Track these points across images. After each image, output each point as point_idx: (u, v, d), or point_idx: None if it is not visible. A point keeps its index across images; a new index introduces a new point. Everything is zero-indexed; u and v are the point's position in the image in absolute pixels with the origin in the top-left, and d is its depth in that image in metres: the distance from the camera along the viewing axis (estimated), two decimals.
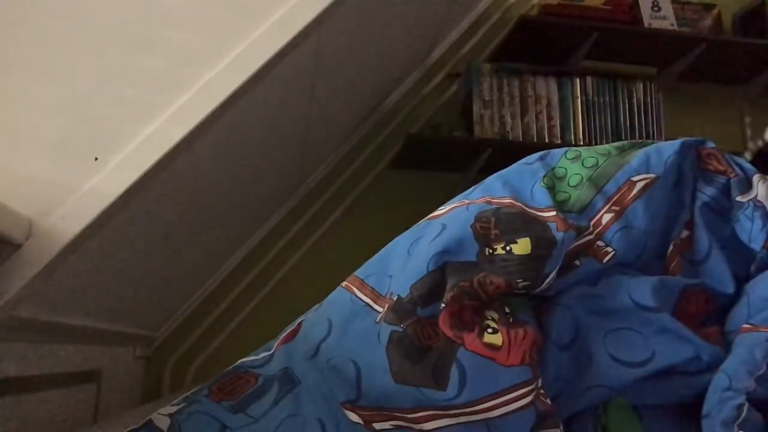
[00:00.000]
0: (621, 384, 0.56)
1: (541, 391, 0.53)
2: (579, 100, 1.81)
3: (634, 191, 0.65)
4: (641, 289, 0.59)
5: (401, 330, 0.57)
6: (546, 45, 1.84)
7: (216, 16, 0.88)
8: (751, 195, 0.66)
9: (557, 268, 0.59)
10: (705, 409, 0.53)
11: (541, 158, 0.73)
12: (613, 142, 1.85)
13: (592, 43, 1.79)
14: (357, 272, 0.67)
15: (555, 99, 1.80)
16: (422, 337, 0.57)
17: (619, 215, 0.64)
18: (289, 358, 0.61)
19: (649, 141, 0.74)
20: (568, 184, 0.68)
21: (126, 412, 1.16)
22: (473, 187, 0.72)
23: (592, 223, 0.64)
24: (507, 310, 0.58)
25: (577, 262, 0.62)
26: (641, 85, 1.86)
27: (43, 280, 0.76)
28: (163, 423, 0.53)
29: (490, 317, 0.56)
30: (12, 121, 0.77)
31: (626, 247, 0.63)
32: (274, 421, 0.54)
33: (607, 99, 1.83)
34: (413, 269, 0.60)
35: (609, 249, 0.63)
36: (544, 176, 0.69)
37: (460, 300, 0.56)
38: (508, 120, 1.76)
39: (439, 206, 0.71)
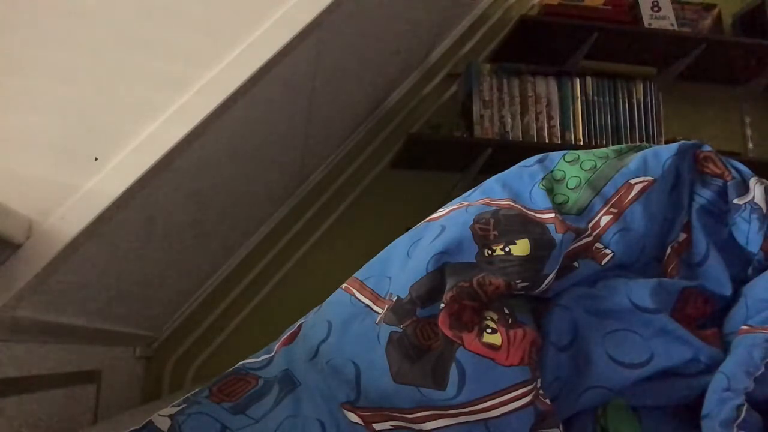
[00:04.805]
0: (620, 385, 0.56)
1: (541, 391, 0.53)
2: (579, 100, 1.81)
3: (632, 194, 0.66)
4: (640, 290, 0.59)
5: (400, 330, 0.58)
6: (546, 45, 1.84)
7: (216, 16, 0.88)
8: (748, 197, 0.66)
9: (556, 270, 0.59)
10: (704, 410, 0.53)
11: (540, 161, 0.73)
12: (613, 142, 1.85)
13: (592, 43, 1.80)
14: (357, 274, 0.67)
15: (555, 99, 1.80)
16: (421, 338, 0.57)
17: (617, 217, 0.64)
18: (289, 360, 0.62)
19: (647, 144, 0.75)
20: (567, 186, 0.69)
21: (126, 412, 1.16)
22: (472, 189, 0.73)
23: (590, 225, 0.65)
24: (506, 310, 0.58)
25: (576, 264, 0.63)
26: (641, 85, 1.86)
27: (43, 280, 0.76)
28: (164, 424, 0.53)
29: (489, 317, 0.56)
30: (12, 121, 0.78)
31: (624, 249, 0.63)
32: (274, 422, 0.55)
33: (607, 99, 1.83)
34: (412, 270, 0.60)
35: (607, 251, 0.63)
36: (543, 178, 0.69)
37: (460, 300, 0.57)
38: (508, 120, 1.76)
39: (439, 206, 0.72)
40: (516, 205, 0.65)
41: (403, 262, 0.64)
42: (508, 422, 0.51)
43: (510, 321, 0.56)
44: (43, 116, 0.79)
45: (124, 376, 1.40)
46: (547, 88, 1.81)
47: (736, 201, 0.67)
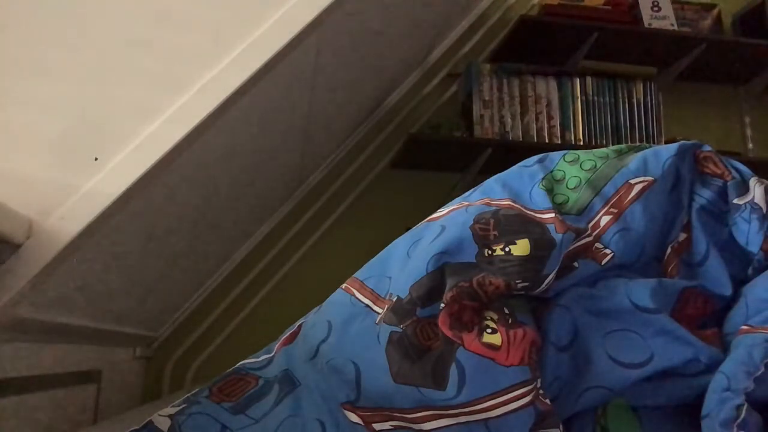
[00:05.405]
0: (620, 385, 0.56)
1: (541, 391, 0.53)
2: (579, 100, 1.81)
3: (632, 194, 0.66)
4: (640, 290, 0.59)
5: (400, 330, 0.58)
6: (546, 45, 1.84)
7: (216, 16, 0.88)
8: (748, 197, 0.66)
9: (556, 270, 0.59)
10: (704, 410, 0.53)
11: (540, 161, 0.73)
12: (613, 142, 1.85)
13: (592, 43, 1.80)
14: (357, 274, 0.67)
15: (555, 99, 1.80)
16: (421, 338, 0.57)
17: (617, 217, 0.64)
18: (289, 360, 0.62)
19: (647, 144, 0.75)
20: (567, 186, 0.69)
21: (126, 412, 1.17)
22: (472, 189, 0.73)
23: (590, 225, 0.65)
24: (506, 310, 0.58)
25: (576, 264, 0.62)
26: (641, 85, 1.86)
27: (43, 280, 0.76)
28: (164, 424, 0.53)
29: (489, 317, 0.56)
30: (12, 121, 0.78)
31: (624, 249, 0.63)
32: (274, 422, 0.55)
33: (607, 99, 1.83)
34: (412, 270, 0.60)
35: (607, 251, 0.63)
36: (543, 178, 0.69)
37: (460, 300, 0.57)
38: (508, 120, 1.76)
39: (439, 206, 0.72)
40: (516, 205, 0.65)
41: (403, 262, 0.64)
42: (508, 422, 0.51)
43: (510, 321, 0.56)
44: (43, 116, 0.79)
45: (124, 376, 1.40)
46: (547, 88, 1.81)
47: (736, 201, 0.67)
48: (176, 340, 1.62)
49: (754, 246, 0.65)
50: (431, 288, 0.59)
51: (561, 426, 0.53)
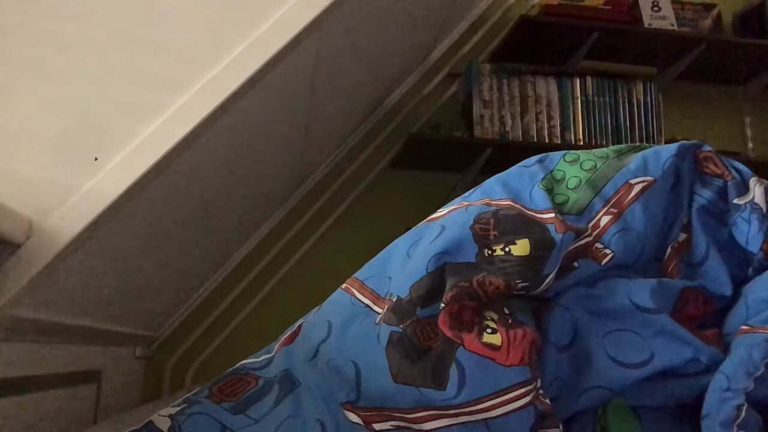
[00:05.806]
0: (620, 385, 0.56)
1: (541, 391, 0.53)
2: (579, 100, 1.81)
3: (632, 194, 0.66)
4: (640, 290, 0.59)
5: (400, 330, 0.58)
6: (546, 45, 1.85)
7: (216, 16, 0.88)
8: (748, 198, 0.66)
9: (556, 270, 0.59)
10: (704, 410, 0.53)
11: (540, 161, 0.73)
12: (613, 142, 1.85)
13: (592, 43, 1.80)
14: (357, 274, 0.67)
15: (555, 99, 1.80)
16: (421, 338, 0.57)
17: (617, 217, 0.64)
18: (289, 360, 0.62)
19: (647, 144, 0.75)
20: (567, 186, 0.69)
21: (126, 412, 1.17)
22: (472, 189, 0.73)
23: (590, 225, 0.65)
24: (506, 311, 0.58)
25: (576, 264, 0.62)
26: (641, 85, 1.86)
27: (43, 280, 0.76)
28: (164, 424, 0.53)
29: (489, 317, 0.56)
30: (12, 121, 0.78)
31: (625, 249, 0.63)
32: (275, 422, 0.55)
33: (607, 99, 1.83)
34: (412, 270, 0.60)
35: (607, 251, 0.63)
36: (543, 178, 0.69)
37: (460, 300, 0.57)
38: (508, 120, 1.76)
39: (439, 206, 0.72)
40: (516, 205, 0.65)
41: (403, 262, 0.64)
42: (508, 422, 0.51)
43: (510, 321, 0.56)
44: (43, 116, 0.79)
45: (124, 376, 1.40)
46: (547, 88, 1.81)
47: (736, 201, 0.67)
48: (176, 340, 1.62)
49: (754, 246, 0.65)
50: (431, 288, 0.59)
51: (561, 426, 0.53)
